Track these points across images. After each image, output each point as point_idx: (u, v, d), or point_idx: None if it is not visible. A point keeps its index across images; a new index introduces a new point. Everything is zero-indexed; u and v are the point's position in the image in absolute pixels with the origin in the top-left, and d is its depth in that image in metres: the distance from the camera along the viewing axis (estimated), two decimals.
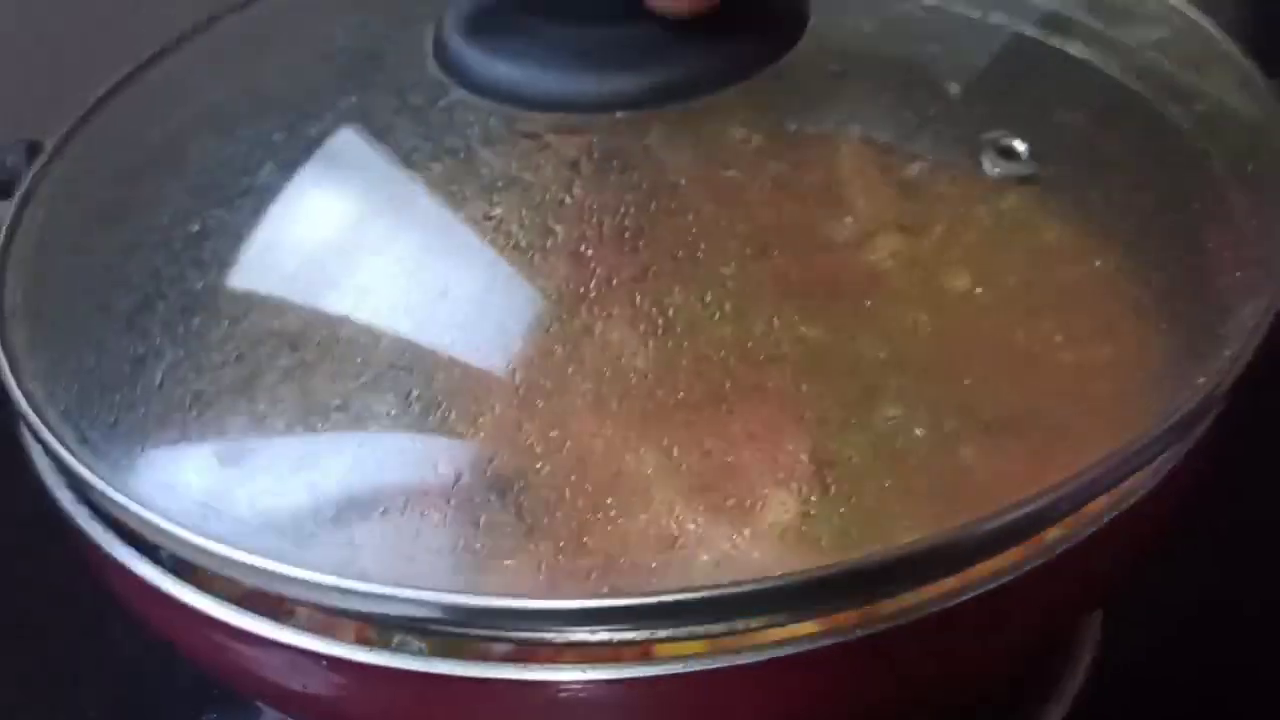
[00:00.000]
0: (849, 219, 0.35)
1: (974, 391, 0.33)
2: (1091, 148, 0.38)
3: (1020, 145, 0.36)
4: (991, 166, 0.35)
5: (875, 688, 0.32)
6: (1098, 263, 0.36)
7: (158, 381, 0.34)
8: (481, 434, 0.32)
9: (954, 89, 0.38)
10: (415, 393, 0.32)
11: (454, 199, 0.35)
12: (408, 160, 0.36)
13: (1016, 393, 0.33)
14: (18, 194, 0.40)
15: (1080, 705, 0.43)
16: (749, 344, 0.33)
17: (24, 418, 0.34)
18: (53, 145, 0.42)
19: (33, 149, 0.43)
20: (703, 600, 0.29)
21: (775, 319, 0.33)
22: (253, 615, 0.32)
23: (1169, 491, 0.33)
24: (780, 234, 0.35)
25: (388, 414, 0.32)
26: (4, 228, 0.39)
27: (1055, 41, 0.41)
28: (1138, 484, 0.32)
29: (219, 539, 0.31)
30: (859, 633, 0.30)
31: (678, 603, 0.29)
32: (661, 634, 0.29)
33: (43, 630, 0.50)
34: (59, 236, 0.39)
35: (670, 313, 0.33)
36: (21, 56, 0.64)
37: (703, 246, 0.34)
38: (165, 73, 0.43)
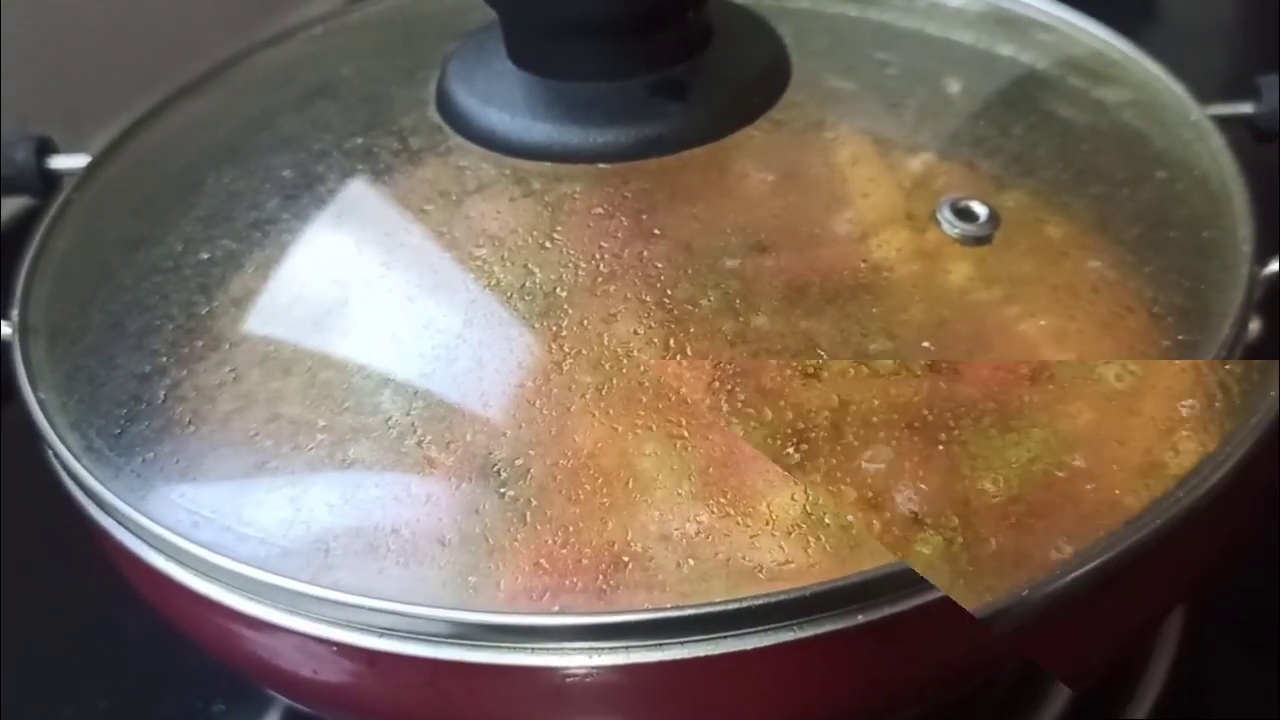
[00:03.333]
0: (849, 215, 0.36)
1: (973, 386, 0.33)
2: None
3: (979, 207, 0.36)
4: (950, 228, 0.36)
5: (874, 673, 0.32)
6: (1096, 263, 0.36)
7: (161, 398, 0.35)
8: (472, 441, 0.32)
9: (930, 150, 0.39)
10: (400, 412, 0.33)
11: (445, 239, 0.36)
12: (404, 200, 0.37)
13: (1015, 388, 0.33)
14: (46, 219, 0.41)
15: (1161, 708, 0.43)
16: (749, 338, 0.33)
17: (37, 424, 0.36)
18: (83, 171, 0.43)
19: (42, 146, 0.44)
20: (706, 615, 0.30)
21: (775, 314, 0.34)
22: (261, 601, 0.32)
23: (1244, 485, 0.32)
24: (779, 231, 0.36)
25: (375, 429, 0.33)
26: (30, 246, 0.40)
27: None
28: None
29: (204, 545, 0.32)
30: (860, 619, 0.30)
31: (683, 618, 0.30)
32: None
33: (52, 619, 0.50)
34: (82, 258, 0.40)
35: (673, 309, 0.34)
36: (29, 55, 0.65)
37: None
38: (191, 107, 0.45)
